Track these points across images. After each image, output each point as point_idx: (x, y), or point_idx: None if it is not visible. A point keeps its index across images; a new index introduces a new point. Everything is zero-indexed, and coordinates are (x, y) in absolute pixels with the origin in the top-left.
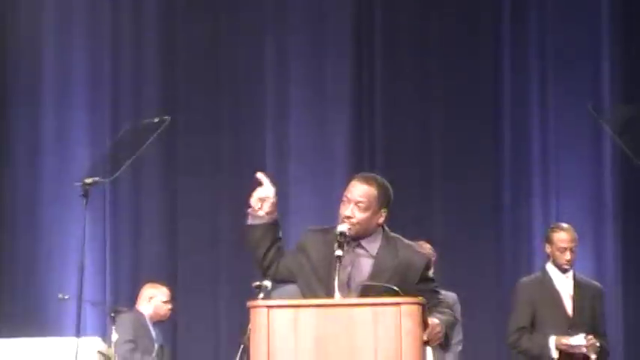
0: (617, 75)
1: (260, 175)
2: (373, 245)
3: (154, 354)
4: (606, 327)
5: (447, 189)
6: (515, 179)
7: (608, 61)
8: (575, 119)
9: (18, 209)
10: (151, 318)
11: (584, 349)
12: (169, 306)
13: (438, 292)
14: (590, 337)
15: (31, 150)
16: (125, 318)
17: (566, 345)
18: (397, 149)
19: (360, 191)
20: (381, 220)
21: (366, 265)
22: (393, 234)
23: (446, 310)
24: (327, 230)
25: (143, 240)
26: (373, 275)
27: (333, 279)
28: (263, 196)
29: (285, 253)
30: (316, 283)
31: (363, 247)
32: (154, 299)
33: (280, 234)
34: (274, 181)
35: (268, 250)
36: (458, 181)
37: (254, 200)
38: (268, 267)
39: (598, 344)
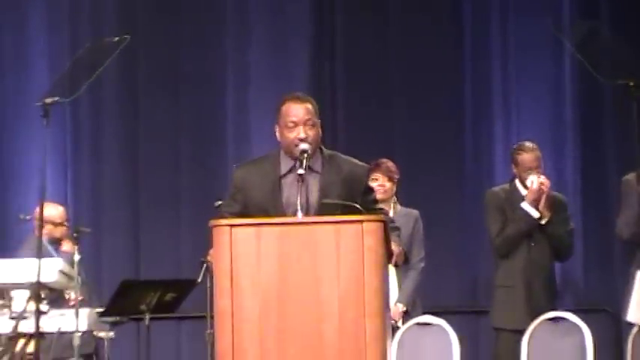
0: None
1: None
2: (317, 163)
3: None
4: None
5: (408, 108)
6: (477, 97)
7: None
8: (536, 37)
9: None
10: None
11: (543, 188)
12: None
13: (377, 202)
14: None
15: None
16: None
17: (531, 192)
18: (358, 71)
19: (303, 110)
20: (321, 133)
21: (314, 182)
22: (330, 151)
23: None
24: (257, 161)
25: (104, 161)
26: (322, 191)
27: (283, 202)
28: None
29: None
30: (265, 213)
31: (309, 167)
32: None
33: None
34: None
35: None
36: (419, 100)
37: None
38: None
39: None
